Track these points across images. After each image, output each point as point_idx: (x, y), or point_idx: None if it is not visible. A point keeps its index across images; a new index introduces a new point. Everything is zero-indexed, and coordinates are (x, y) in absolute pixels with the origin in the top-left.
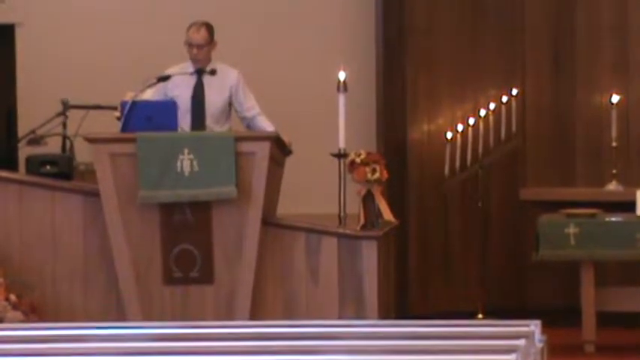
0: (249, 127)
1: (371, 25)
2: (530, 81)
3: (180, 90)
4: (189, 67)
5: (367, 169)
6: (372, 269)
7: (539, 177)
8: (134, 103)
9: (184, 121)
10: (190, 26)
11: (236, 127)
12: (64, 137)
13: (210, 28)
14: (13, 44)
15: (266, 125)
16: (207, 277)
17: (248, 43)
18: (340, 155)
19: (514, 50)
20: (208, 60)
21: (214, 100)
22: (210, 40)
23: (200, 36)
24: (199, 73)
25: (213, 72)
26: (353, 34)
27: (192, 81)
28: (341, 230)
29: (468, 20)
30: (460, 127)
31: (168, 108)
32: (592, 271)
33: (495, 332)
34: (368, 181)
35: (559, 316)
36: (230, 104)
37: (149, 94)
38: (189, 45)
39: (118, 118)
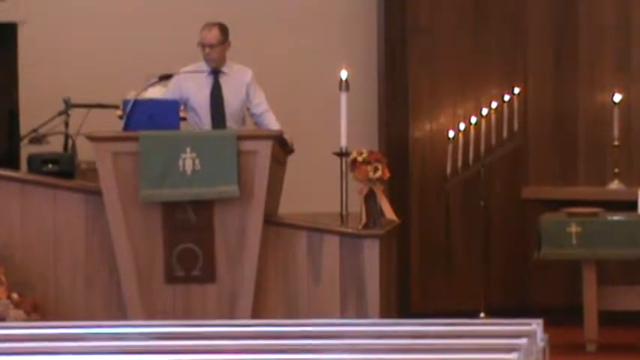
0: (257, 123)
1: (373, 24)
2: (533, 80)
3: (197, 91)
4: (204, 67)
5: (369, 167)
6: (374, 268)
7: (541, 176)
8: (136, 102)
9: (205, 121)
10: (204, 26)
11: (250, 126)
12: (66, 136)
13: (223, 28)
14: (15, 43)
15: (272, 123)
16: (209, 275)
17: (250, 42)
18: (342, 154)
19: (516, 49)
20: (223, 60)
21: (232, 100)
22: (224, 40)
23: (212, 35)
24: (215, 73)
25: (220, 70)
26: (355, 33)
27: (209, 82)
28: (343, 229)
29: (470, 19)
30: (462, 126)
31: (170, 107)
32: (594, 270)
33: (497, 331)
34: (370, 180)
35: (561, 315)
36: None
37: (158, 93)
38: (202, 45)
39: (120, 117)
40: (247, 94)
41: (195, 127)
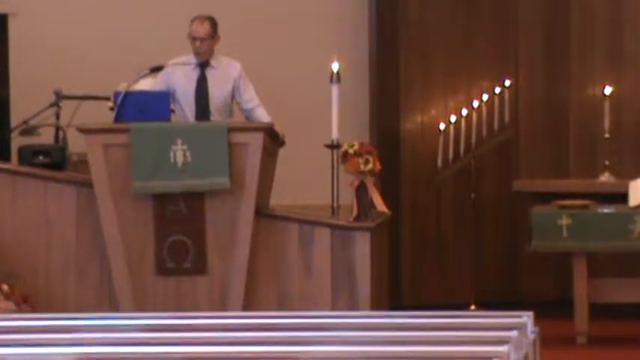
0: (248, 119)
1: (365, 16)
2: (524, 72)
3: (184, 83)
4: (192, 60)
5: (360, 160)
6: (365, 260)
7: (532, 168)
8: (127, 94)
9: (189, 114)
10: (194, 19)
11: (238, 119)
12: (57, 128)
13: (213, 22)
14: (6, 34)
15: (263, 118)
16: (200, 267)
17: (242, 34)
18: (333, 146)
19: (507, 41)
20: (211, 53)
21: (218, 93)
22: (213, 34)
23: (203, 29)
24: (202, 66)
25: (208, 63)
26: (347, 25)
27: (195, 74)
28: (334, 221)
29: (461, 11)
30: (453, 119)
31: (161, 98)
32: (584, 262)
33: (488, 323)
34: (361, 172)
35: (552, 308)
36: (233, 97)
37: (148, 85)
38: (193, 38)
39: (111, 109)
40: (237, 89)
41: (180, 119)
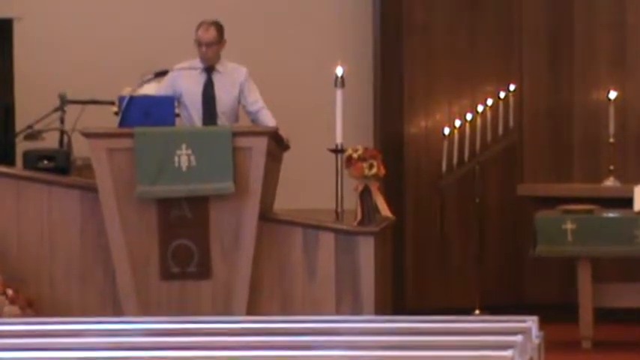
0: (253, 121)
1: (369, 21)
2: (528, 77)
3: (190, 87)
4: (198, 64)
5: (364, 164)
6: (369, 265)
7: (537, 173)
8: (132, 98)
9: (196, 118)
10: (200, 25)
11: (244, 124)
12: (62, 132)
13: (219, 27)
14: (11, 39)
15: (268, 120)
16: (204, 272)
17: (246, 39)
18: (337, 151)
19: (511, 46)
20: (217, 58)
21: (224, 98)
22: (220, 39)
23: (209, 35)
24: (208, 70)
25: (214, 68)
26: (351, 30)
27: (202, 79)
28: (338, 226)
29: (465, 16)
30: (457, 123)
31: (165, 103)
32: (589, 267)
33: (492, 328)
34: (365, 177)
35: (556, 312)
36: (239, 102)
37: (153, 89)
38: (199, 44)
39: (116, 113)
40: (242, 93)
41: (186, 124)
